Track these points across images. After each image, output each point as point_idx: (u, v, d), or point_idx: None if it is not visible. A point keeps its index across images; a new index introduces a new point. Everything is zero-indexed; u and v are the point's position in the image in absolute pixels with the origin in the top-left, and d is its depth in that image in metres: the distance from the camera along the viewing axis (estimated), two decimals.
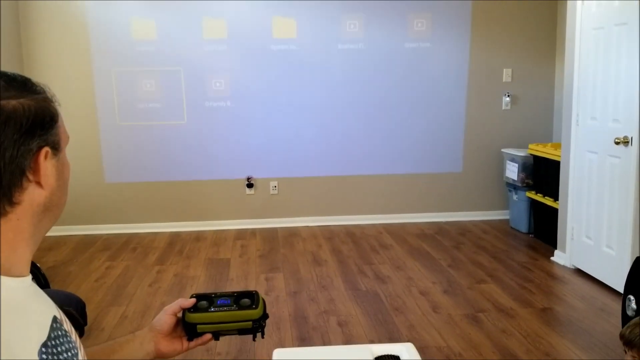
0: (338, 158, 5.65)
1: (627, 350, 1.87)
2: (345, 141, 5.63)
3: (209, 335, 1.19)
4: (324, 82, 5.50)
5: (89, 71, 5.26)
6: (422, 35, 5.51)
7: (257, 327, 1.19)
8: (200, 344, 1.20)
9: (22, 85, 0.83)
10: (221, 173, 5.57)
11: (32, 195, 0.81)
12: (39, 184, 0.81)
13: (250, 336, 1.20)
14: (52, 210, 0.86)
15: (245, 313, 1.17)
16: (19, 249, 0.81)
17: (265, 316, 1.20)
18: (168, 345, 1.17)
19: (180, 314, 1.19)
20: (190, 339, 1.19)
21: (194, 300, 1.19)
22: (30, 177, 0.80)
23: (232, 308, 1.18)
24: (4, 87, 0.80)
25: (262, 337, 1.22)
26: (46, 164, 0.82)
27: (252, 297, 1.21)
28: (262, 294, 1.26)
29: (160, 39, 5.27)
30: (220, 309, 1.18)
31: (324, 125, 5.58)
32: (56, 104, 0.88)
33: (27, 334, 0.77)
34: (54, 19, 5.16)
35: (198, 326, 1.17)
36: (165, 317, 1.16)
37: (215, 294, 1.22)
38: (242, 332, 1.19)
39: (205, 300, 1.20)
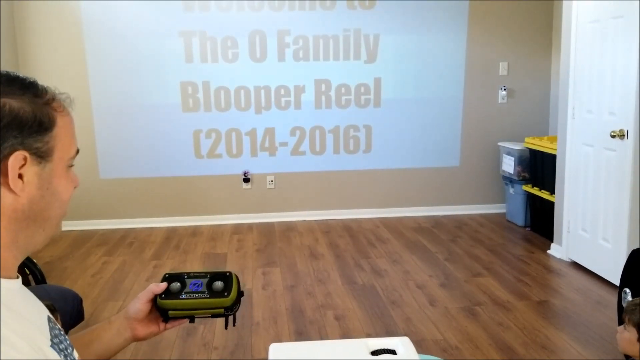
0: (334, 152, 5.65)
1: (627, 326, 1.91)
2: (341, 135, 5.63)
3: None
4: (320, 76, 5.49)
5: (83, 67, 5.24)
6: (419, 29, 5.50)
7: (229, 315, 1.18)
8: (176, 325, 1.20)
9: (21, 86, 0.81)
10: (218, 168, 5.56)
11: (5, 200, 0.78)
12: (9, 188, 0.78)
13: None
14: (36, 221, 0.82)
15: (216, 301, 1.16)
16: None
17: (238, 301, 1.19)
18: (144, 329, 1.17)
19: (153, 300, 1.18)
20: (165, 322, 1.19)
21: (164, 285, 1.17)
22: (0, 179, 0.77)
23: (204, 295, 1.16)
24: None
25: (234, 324, 1.22)
26: (25, 169, 0.79)
27: (225, 281, 1.19)
28: (236, 274, 1.24)
29: (155, 36, 5.25)
30: (192, 295, 1.16)
31: (320, 119, 5.57)
32: (62, 113, 0.85)
33: (38, 334, 0.77)
34: (49, 17, 5.13)
35: (170, 312, 1.16)
36: (139, 305, 1.15)
37: (187, 274, 1.20)
38: (215, 316, 1.18)
39: (177, 282, 1.18)
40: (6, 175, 0.77)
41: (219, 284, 1.18)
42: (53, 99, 0.85)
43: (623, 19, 3.70)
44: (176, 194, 5.57)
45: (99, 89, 5.30)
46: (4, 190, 0.78)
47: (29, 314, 0.79)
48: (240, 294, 1.20)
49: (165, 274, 1.20)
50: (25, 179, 0.79)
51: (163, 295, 1.16)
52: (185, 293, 1.16)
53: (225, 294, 1.17)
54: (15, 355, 0.70)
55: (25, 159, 0.78)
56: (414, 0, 5.44)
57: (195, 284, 1.18)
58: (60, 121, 0.85)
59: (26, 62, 5.14)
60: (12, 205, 0.79)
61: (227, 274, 1.21)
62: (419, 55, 5.55)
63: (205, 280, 1.19)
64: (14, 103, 0.78)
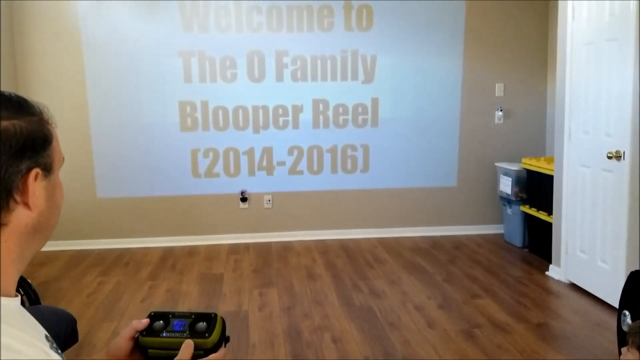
0: (332, 172, 5.65)
1: (630, 348, 1.89)
2: (339, 155, 5.63)
3: None
4: (318, 95, 5.51)
5: (82, 86, 5.25)
6: (416, 50, 5.53)
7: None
8: None
9: (17, 106, 0.82)
10: (215, 187, 5.55)
11: (19, 217, 0.80)
12: (26, 205, 0.80)
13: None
14: (41, 232, 0.85)
15: (196, 342, 1.12)
16: (5, 270, 0.80)
17: (220, 344, 1.15)
18: None
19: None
20: None
21: (146, 321, 1.15)
22: (18, 198, 0.79)
23: (184, 335, 1.13)
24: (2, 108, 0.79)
25: None
26: (35, 185, 0.81)
27: (209, 322, 1.16)
28: (222, 315, 1.21)
29: (154, 55, 5.28)
30: (173, 334, 1.13)
31: (317, 138, 5.58)
32: (52, 125, 0.87)
33: (40, 344, 0.78)
34: (49, 35, 5.15)
35: (149, 350, 1.13)
36: (121, 342, 1.13)
37: (173, 313, 1.18)
38: (195, 357, 1.13)
39: (161, 320, 1.16)
40: (25, 193, 0.80)
41: (201, 325, 1.15)
42: (42, 113, 0.87)
43: (617, 41, 3.72)
44: (173, 214, 5.55)
45: (98, 108, 5.30)
46: (21, 209, 0.80)
47: (29, 330, 0.80)
48: (224, 338, 1.17)
49: (151, 312, 1.18)
50: (36, 194, 0.82)
51: (144, 333, 1.14)
52: (167, 332, 1.14)
53: (207, 334, 1.13)
54: (19, 356, 0.72)
55: (37, 175, 0.81)
56: (410, 22, 5.48)
57: (178, 324, 1.15)
58: (54, 134, 0.88)
59: (25, 81, 5.14)
60: (24, 221, 0.81)
61: (212, 315, 1.18)
62: (416, 76, 5.58)
63: (189, 321, 1.16)
64: (22, 124, 0.80)
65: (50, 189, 0.85)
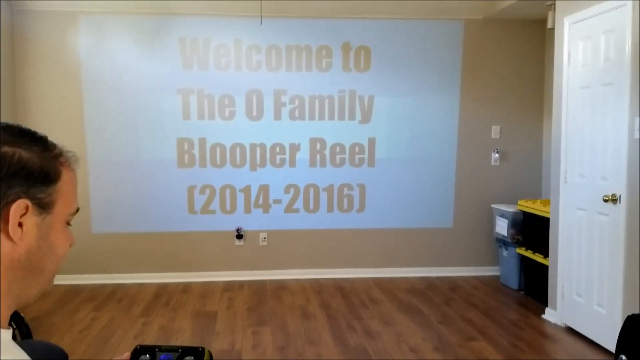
0: (328, 210, 5.65)
1: None
2: (335, 194, 5.64)
3: None
4: (315, 134, 5.55)
5: (80, 120, 5.28)
6: (413, 91, 5.60)
7: None
8: None
9: (32, 139, 0.83)
10: (211, 224, 5.54)
11: (3, 247, 0.78)
12: (8, 235, 0.79)
13: None
14: (31, 272, 0.83)
15: None
16: None
17: None
18: None
19: None
20: None
21: (127, 355, 1.13)
22: (1, 225, 0.78)
23: None
24: (10, 134, 0.80)
25: None
26: (26, 219, 0.80)
27: (197, 357, 1.14)
28: (211, 350, 1.19)
29: (153, 92, 5.33)
30: None
31: (314, 177, 5.60)
32: (68, 167, 0.87)
33: None
34: (48, 69, 5.21)
35: None
36: None
37: (160, 347, 1.16)
38: None
39: (148, 354, 1.14)
40: (7, 222, 0.78)
41: (189, 359, 1.14)
42: (61, 154, 0.87)
43: (612, 85, 3.78)
44: (168, 250, 5.52)
45: (95, 142, 5.33)
46: (2, 238, 0.78)
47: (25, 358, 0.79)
48: None
49: (137, 346, 1.16)
50: (25, 228, 0.80)
51: None
52: None
53: None
54: None
55: (27, 207, 0.80)
56: (408, 63, 5.56)
57: (165, 358, 1.14)
58: (65, 175, 0.87)
59: (24, 114, 5.17)
60: (9, 253, 0.79)
61: (200, 349, 1.16)
62: (413, 117, 5.64)
63: (176, 355, 1.14)
64: (23, 153, 0.80)
65: (44, 229, 0.83)
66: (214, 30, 5.36)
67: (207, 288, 5.29)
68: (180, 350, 1.15)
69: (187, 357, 1.13)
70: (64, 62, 5.23)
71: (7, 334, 0.80)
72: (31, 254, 0.82)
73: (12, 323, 2.74)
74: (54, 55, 5.21)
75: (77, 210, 0.91)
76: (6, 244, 0.79)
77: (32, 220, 0.81)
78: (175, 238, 5.52)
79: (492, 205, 5.62)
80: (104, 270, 5.45)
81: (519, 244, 5.23)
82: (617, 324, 3.49)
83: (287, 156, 5.56)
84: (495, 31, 5.65)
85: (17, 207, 0.78)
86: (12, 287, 0.81)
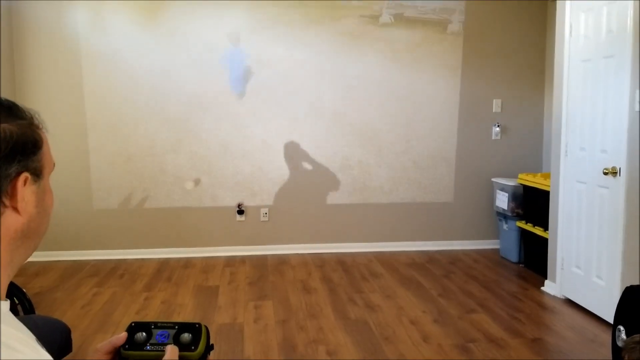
0: (329, 186, 5.66)
1: None
2: (336, 169, 5.64)
3: None
4: (316, 111, 5.54)
5: (80, 97, 5.26)
6: (414, 64, 5.56)
7: None
8: None
9: (7, 110, 0.83)
10: (212, 200, 5.55)
11: (8, 221, 0.80)
12: (15, 209, 0.80)
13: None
14: (30, 237, 0.84)
15: (182, 355, 1.09)
16: None
17: (205, 355, 1.12)
18: None
19: (114, 352, 1.11)
20: None
21: (124, 336, 1.11)
22: (7, 202, 0.79)
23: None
24: None
25: None
26: (25, 190, 0.81)
27: (194, 333, 1.12)
28: (209, 326, 1.18)
29: (152, 67, 5.30)
30: (157, 347, 1.09)
31: (315, 152, 5.59)
32: (43, 130, 0.87)
33: (32, 342, 0.78)
34: (48, 44, 5.17)
35: None
36: (98, 356, 1.10)
37: (155, 324, 1.14)
38: None
39: (144, 332, 1.12)
40: (14, 198, 0.79)
41: (186, 337, 1.12)
42: (33, 117, 0.87)
43: (614, 58, 3.75)
44: (169, 226, 5.54)
45: (95, 118, 5.31)
46: (9, 212, 0.80)
47: (23, 329, 0.80)
48: (209, 347, 1.14)
49: (132, 322, 1.15)
50: (25, 199, 0.81)
51: (127, 346, 1.10)
52: (150, 344, 1.10)
53: (193, 347, 1.10)
54: (19, 355, 0.72)
55: (26, 179, 0.81)
56: (407, 36, 5.52)
57: (161, 335, 1.12)
58: (44, 138, 0.88)
59: (23, 87, 5.15)
60: (13, 226, 0.80)
61: (197, 325, 1.14)
62: (414, 91, 5.61)
63: (172, 332, 1.13)
64: (12, 128, 0.80)
65: (40, 194, 0.85)
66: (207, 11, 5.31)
67: (208, 263, 5.33)
68: (176, 326, 1.14)
69: (184, 334, 1.12)
70: (63, 38, 5.19)
71: (6, 305, 0.81)
72: (32, 221, 0.83)
73: (15, 298, 2.76)
74: (52, 32, 5.17)
75: (54, 165, 0.92)
76: (12, 218, 0.80)
77: (30, 189, 0.82)
78: (177, 213, 5.53)
79: (493, 179, 5.62)
80: (106, 246, 5.48)
81: (519, 217, 5.24)
82: (615, 296, 3.51)
83: (288, 132, 5.54)
84: (497, 3, 5.59)
85: (21, 182, 0.80)
86: (13, 257, 0.82)
